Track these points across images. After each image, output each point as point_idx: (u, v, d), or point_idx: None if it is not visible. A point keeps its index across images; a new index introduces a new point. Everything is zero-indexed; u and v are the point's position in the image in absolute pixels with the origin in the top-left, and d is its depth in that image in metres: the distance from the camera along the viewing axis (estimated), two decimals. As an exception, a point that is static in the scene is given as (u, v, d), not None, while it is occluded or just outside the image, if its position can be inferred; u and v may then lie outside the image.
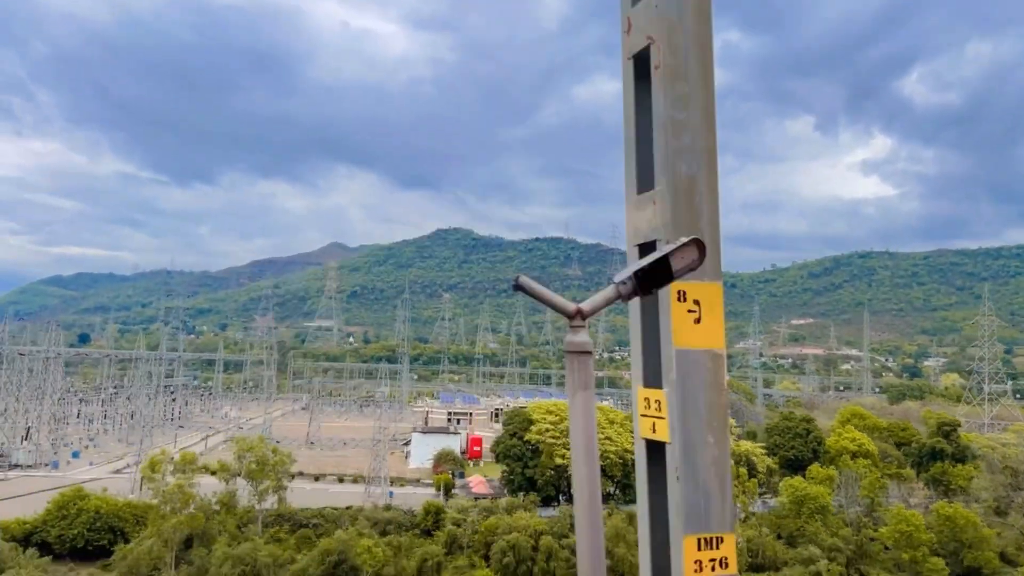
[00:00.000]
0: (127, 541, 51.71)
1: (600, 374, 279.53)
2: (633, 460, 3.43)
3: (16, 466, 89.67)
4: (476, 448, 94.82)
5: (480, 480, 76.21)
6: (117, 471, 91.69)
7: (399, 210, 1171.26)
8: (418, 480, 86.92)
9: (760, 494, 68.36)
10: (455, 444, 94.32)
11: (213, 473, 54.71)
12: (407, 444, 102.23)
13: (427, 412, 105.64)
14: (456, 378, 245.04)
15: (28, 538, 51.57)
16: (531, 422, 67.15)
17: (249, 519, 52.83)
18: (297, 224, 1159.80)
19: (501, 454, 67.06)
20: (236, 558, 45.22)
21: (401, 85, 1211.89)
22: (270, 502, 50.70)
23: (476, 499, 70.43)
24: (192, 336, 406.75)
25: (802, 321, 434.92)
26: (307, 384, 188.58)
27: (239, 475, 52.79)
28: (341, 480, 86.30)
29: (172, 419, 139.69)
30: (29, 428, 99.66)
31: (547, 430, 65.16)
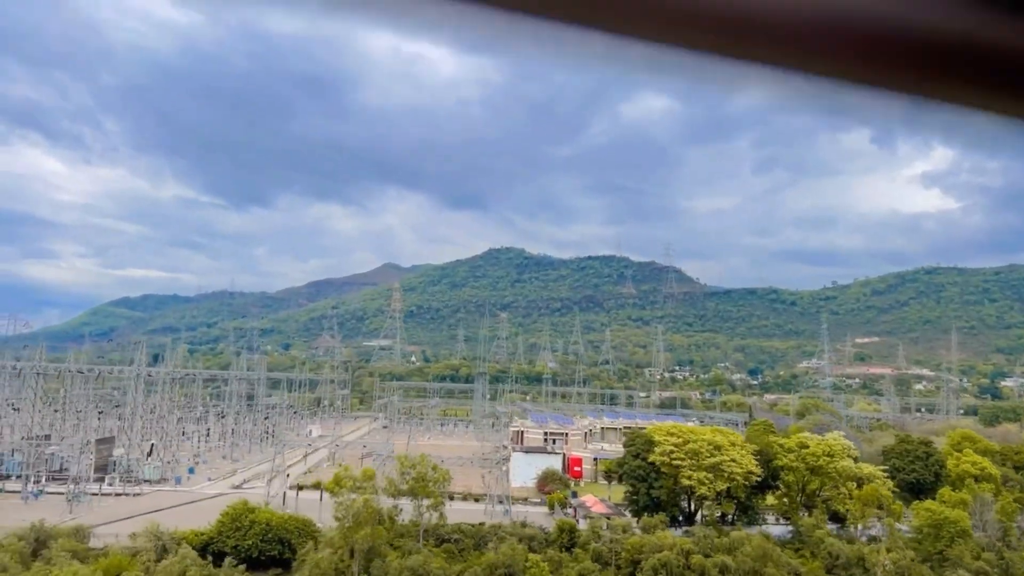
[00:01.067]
0: (294, 552, 55.30)
1: (667, 394, 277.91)
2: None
3: (145, 481, 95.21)
4: (576, 468, 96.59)
5: (594, 499, 77.94)
6: (236, 487, 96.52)
7: (447, 230, 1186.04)
8: (525, 499, 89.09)
9: (879, 517, 68.30)
10: (556, 463, 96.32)
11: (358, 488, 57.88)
12: (505, 462, 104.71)
13: (522, 431, 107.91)
14: (523, 397, 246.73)
15: (205, 548, 55.55)
16: (653, 443, 68.78)
17: (402, 533, 55.80)
18: (348, 245, 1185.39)
19: (625, 474, 68.78)
20: (411, 569, 48.12)
21: (449, 107, 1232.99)
22: (428, 517, 53.58)
23: (593, 517, 72.25)
24: (258, 355, 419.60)
25: (867, 340, 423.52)
26: (386, 402, 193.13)
27: (389, 493, 55.89)
28: (452, 498, 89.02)
29: (267, 437, 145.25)
30: (153, 445, 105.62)
31: (671, 451, 66.69)
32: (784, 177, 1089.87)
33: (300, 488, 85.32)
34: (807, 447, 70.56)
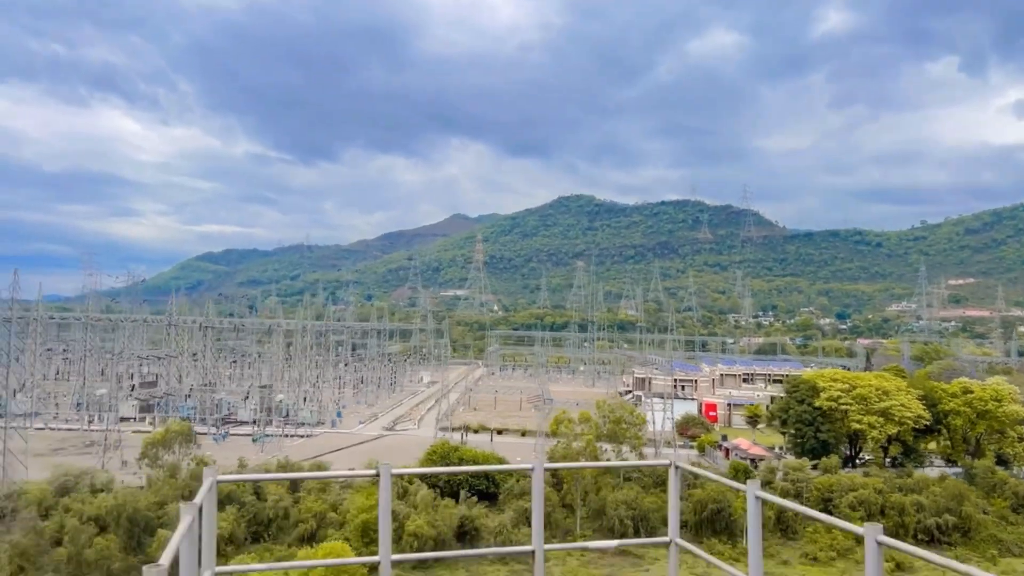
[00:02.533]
0: (498, 487, 60.48)
1: (756, 340, 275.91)
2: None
3: (302, 424, 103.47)
4: (711, 413, 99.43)
5: (748, 442, 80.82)
6: (389, 428, 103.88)
7: (509, 178, 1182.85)
8: (668, 443, 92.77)
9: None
10: (690, 409, 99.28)
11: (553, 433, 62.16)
12: (636, 408, 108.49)
13: (648, 378, 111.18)
14: (611, 344, 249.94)
15: (411, 482, 61.27)
16: (816, 389, 70.62)
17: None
18: (412, 197, 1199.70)
19: (790, 419, 71.10)
20: (624, 503, 52.31)
21: (510, 53, 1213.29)
22: (627, 458, 57.56)
23: (752, 460, 75.17)
24: (342, 307, 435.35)
25: (961, 281, 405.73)
26: (492, 349, 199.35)
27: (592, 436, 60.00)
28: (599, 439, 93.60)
29: (389, 383, 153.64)
30: (307, 391, 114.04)
31: (838, 397, 68.46)
32: (863, 112, 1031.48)
33: (469, 430, 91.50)
34: (971, 392, 71.03)
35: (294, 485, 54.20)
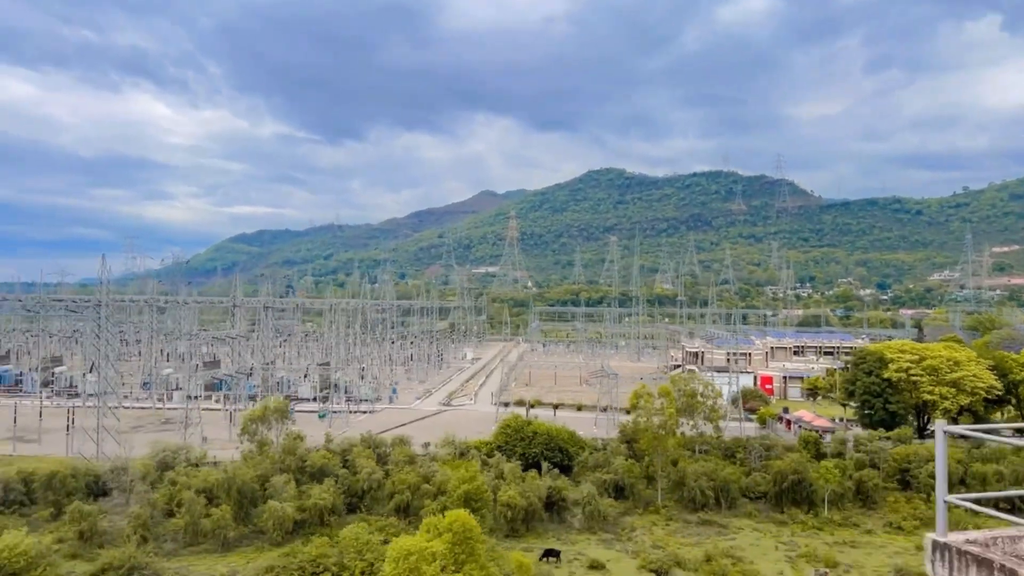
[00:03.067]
0: (571, 459, 61.83)
1: (795, 312, 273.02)
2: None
3: (363, 400, 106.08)
4: (767, 386, 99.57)
5: (811, 415, 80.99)
6: (445, 403, 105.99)
7: (536, 153, 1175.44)
8: (724, 415, 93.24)
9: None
10: (748, 382, 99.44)
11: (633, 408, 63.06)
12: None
13: (700, 351, 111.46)
14: (650, 319, 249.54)
15: (489, 455, 62.89)
16: (884, 360, 70.42)
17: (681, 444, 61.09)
18: (438, 174, 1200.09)
19: (858, 391, 71.10)
20: (703, 474, 53.27)
21: (535, 25, 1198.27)
22: (704, 430, 58.41)
23: (819, 431, 75.37)
24: (376, 285, 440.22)
25: (1006, 248, 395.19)
26: (535, 325, 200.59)
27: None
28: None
29: (440, 361, 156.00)
30: (363, 368, 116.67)
31: (908, 368, 68.22)
32: (898, 76, 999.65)
33: (524, 405, 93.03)
34: (1043, 361, 70.23)
35: (382, 458, 56.13)
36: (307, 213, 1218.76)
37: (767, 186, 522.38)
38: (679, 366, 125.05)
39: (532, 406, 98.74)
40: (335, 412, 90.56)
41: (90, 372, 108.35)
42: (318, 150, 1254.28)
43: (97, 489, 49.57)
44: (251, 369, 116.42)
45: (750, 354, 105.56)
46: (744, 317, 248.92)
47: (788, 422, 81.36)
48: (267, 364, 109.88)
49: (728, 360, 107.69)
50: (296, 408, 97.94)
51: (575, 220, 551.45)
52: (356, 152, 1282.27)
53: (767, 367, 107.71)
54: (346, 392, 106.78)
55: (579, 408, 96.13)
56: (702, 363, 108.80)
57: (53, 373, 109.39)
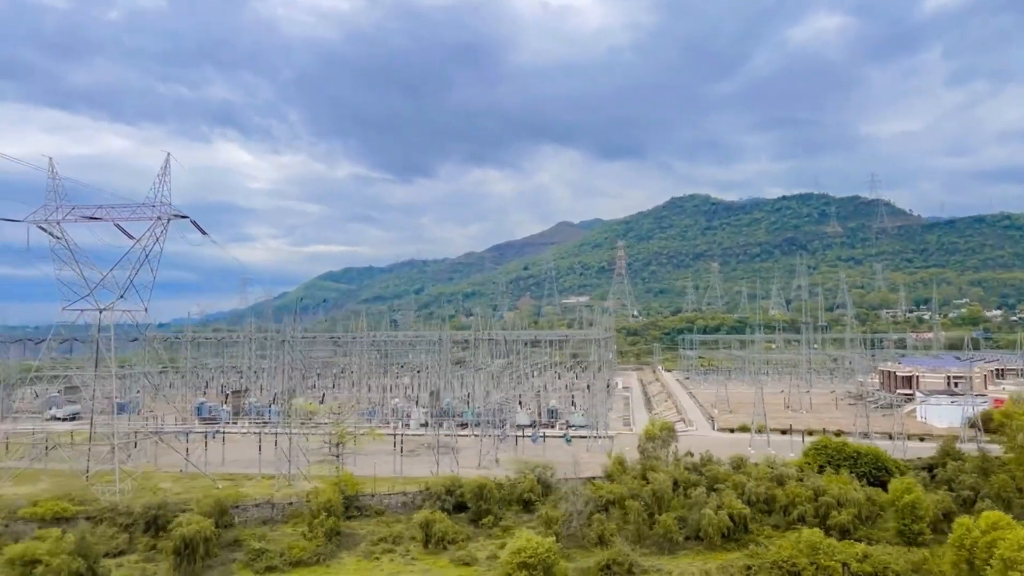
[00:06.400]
0: (890, 476, 64.41)
1: (927, 335, 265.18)
2: None
3: (582, 427, 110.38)
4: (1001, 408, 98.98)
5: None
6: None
7: (602, 183, 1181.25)
8: (973, 438, 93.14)
9: None
10: (984, 406, 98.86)
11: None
12: (902, 405, 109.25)
13: (916, 376, 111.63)
14: (771, 346, 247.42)
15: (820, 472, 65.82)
16: None
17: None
18: (504, 208, 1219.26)
19: None
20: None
21: (600, 57, 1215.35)
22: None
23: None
24: (471, 317, 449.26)
25: None
26: (690, 355, 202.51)
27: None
28: (866, 436, 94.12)
29: (608, 389, 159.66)
30: (573, 396, 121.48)
31: None
32: (983, 88, 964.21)
33: (742, 430, 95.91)
34: None
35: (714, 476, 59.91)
36: (380, 250, 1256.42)
37: (862, 207, 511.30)
38: (873, 392, 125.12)
39: (760, 431, 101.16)
40: (582, 436, 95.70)
41: (273, 402, 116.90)
42: (391, 188, 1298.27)
43: (513, 499, 55.64)
44: (468, 396, 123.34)
45: (970, 378, 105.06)
46: (880, 341, 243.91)
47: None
48: (450, 394, 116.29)
49: (948, 384, 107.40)
50: (522, 433, 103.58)
51: (663, 247, 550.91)
52: (427, 189, 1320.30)
53: (986, 390, 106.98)
54: (567, 420, 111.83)
55: (784, 432, 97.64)
56: (917, 387, 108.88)
57: (246, 403, 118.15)
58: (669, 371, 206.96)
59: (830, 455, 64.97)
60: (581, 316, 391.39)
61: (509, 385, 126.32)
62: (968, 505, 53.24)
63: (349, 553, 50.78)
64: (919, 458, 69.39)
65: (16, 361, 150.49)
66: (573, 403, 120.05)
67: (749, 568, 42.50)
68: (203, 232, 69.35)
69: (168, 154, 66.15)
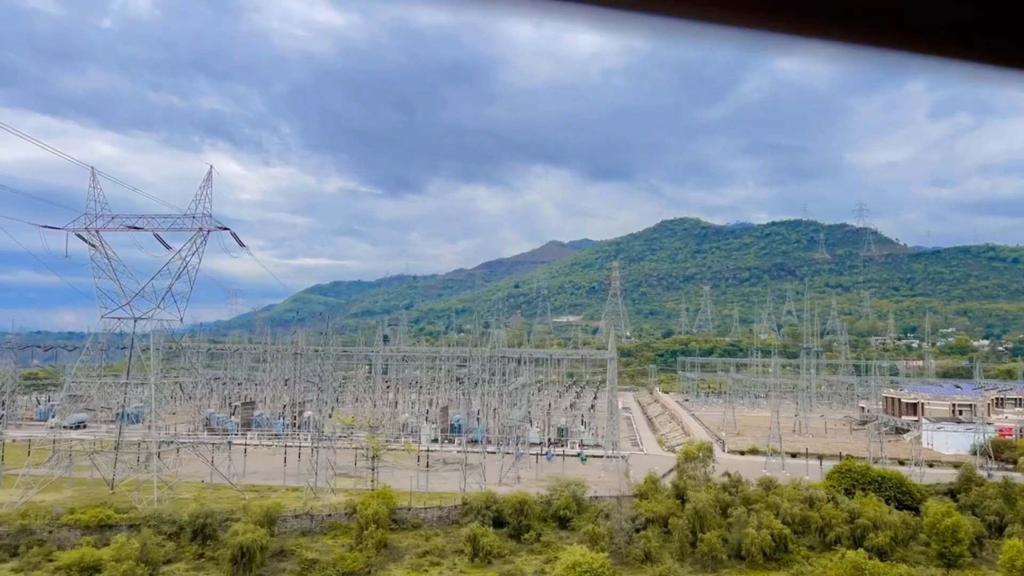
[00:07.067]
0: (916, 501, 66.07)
1: (916, 363, 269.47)
2: None
3: (594, 446, 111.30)
4: (1007, 438, 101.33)
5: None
6: (670, 449, 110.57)
7: (591, 204, 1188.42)
8: (982, 464, 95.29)
9: None
10: (991, 434, 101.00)
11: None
12: (905, 431, 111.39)
13: (922, 403, 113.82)
14: (767, 369, 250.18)
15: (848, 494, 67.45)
16: None
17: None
18: (494, 225, 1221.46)
19: None
20: None
21: (593, 79, 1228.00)
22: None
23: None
24: (462, 334, 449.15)
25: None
26: (689, 377, 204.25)
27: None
28: (877, 460, 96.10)
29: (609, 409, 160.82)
30: (583, 415, 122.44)
31: None
32: (966, 120, 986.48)
33: (753, 453, 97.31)
34: None
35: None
36: (368, 264, 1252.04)
37: (849, 235, 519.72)
38: (868, 418, 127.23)
39: (775, 453, 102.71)
40: (596, 456, 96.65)
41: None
42: (380, 203, 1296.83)
43: (549, 515, 56.32)
44: (477, 413, 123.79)
45: (974, 405, 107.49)
46: (875, 368, 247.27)
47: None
48: (476, 413, 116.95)
49: (953, 412, 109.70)
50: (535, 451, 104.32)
51: (653, 270, 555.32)
52: (415, 205, 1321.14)
53: (989, 417, 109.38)
54: (581, 439, 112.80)
55: (793, 456, 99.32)
56: (921, 414, 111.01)
57: (300, 415, 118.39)
58: (666, 392, 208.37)
59: (855, 478, 66.51)
60: (576, 335, 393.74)
61: (521, 403, 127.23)
62: (997, 530, 54.93)
63: (396, 565, 51.33)
64: (938, 483, 71.20)
65: (13, 368, 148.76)
66: (583, 422, 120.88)
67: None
68: (241, 244, 70.11)
69: (211, 167, 67.13)
